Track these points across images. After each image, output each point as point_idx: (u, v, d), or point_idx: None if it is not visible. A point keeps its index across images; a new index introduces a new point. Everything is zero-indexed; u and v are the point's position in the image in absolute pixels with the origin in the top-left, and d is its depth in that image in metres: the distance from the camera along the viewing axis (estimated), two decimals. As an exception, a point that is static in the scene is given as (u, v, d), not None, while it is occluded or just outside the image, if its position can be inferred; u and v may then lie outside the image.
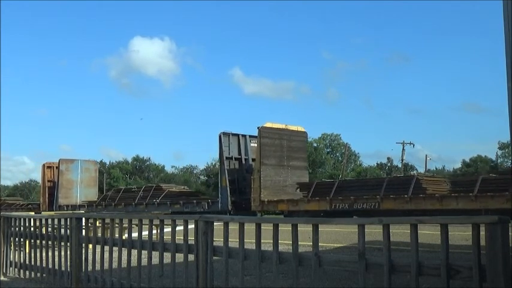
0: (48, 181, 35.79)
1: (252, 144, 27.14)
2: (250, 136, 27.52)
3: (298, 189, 24.37)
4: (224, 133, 26.56)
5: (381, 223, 3.38)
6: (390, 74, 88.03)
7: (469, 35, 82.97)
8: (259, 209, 24.38)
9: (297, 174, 25.79)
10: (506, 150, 57.62)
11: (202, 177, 65.50)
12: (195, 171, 71.69)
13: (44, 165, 36.31)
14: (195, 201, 27.60)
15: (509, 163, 56.30)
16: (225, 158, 26.11)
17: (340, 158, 63.27)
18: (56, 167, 35.24)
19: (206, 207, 26.14)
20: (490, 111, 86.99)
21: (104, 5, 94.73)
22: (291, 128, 26.02)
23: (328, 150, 63.48)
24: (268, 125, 25.08)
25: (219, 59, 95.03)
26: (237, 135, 27.35)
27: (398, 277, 3.40)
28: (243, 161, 27.20)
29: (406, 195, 19.60)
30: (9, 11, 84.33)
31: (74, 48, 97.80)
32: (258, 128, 24.82)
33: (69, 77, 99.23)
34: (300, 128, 26.68)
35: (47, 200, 34.83)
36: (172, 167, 75.69)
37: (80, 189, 35.00)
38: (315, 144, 59.57)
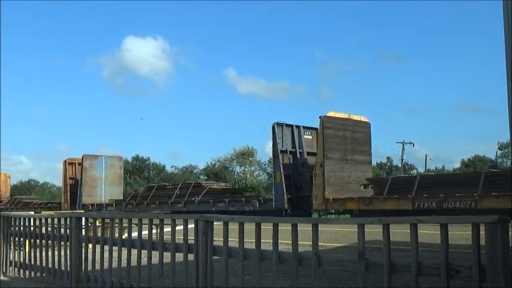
0: (70, 178, 33.49)
1: (306, 136, 24.97)
2: (304, 127, 25.12)
3: (362, 186, 22.32)
4: (278, 123, 24.04)
5: (381, 223, 3.38)
6: (387, 73, 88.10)
7: (466, 34, 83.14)
8: (322, 208, 21.79)
9: (361, 169, 23.21)
10: (506, 150, 57.67)
11: (202, 176, 65.45)
12: (194, 171, 71.69)
13: (65, 161, 34.04)
14: (243, 199, 25.22)
15: (509, 163, 56.34)
16: (279, 151, 23.63)
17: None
18: (78, 164, 33.15)
19: (257, 206, 23.96)
20: (489, 111, 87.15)
21: (96, 5, 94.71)
22: (354, 118, 23.42)
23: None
24: (331, 114, 22.48)
25: (212, 59, 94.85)
26: (291, 126, 24.82)
27: (398, 277, 3.40)
28: (298, 155, 24.57)
29: None
30: (2, 10, 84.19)
31: (67, 48, 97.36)
32: (320, 117, 22.19)
33: (64, 77, 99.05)
34: (363, 118, 24.05)
35: (68, 198, 32.75)
36: (172, 166, 75.62)
37: (105, 187, 32.85)
38: None
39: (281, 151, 23.76)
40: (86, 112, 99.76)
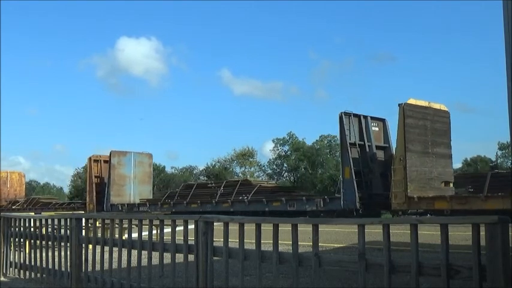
0: (95, 177, 31.35)
1: (374, 128, 23.05)
2: (371, 118, 23.11)
3: (443, 184, 20.36)
4: (345, 113, 21.91)
5: (381, 223, 3.38)
6: (381, 73, 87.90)
7: (465, 34, 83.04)
8: (404, 208, 19.15)
9: (441, 164, 20.76)
10: (506, 150, 57.68)
11: (202, 177, 65.46)
12: (194, 172, 71.66)
13: (90, 158, 31.87)
14: (304, 197, 22.75)
15: (509, 163, 56.36)
16: (348, 143, 21.37)
17: (340, 159, 63.07)
18: (104, 161, 31.29)
19: (321, 205, 21.57)
20: (482, 110, 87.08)
21: (90, 5, 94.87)
22: (434, 106, 21.10)
23: (326, 151, 63.42)
24: (412, 101, 20.32)
25: (207, 59, 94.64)
26: (358, 116, 22.60)
27: (398, 277, 3.40)
28: (367, 148, 22.38)
29: None
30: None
31: (61, 48, 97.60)
32: (399, 105, 20.01)
33: (58, 77, 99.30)
34: (443, 107, 21.68)
35: (94, 198, 30.65)
36: (172, 167, 75.57)
37: (134, 186, 30.80)
38: (318, 146, 59.58)
39: (350, 144, 21.54)
40: (81, 112, 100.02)
